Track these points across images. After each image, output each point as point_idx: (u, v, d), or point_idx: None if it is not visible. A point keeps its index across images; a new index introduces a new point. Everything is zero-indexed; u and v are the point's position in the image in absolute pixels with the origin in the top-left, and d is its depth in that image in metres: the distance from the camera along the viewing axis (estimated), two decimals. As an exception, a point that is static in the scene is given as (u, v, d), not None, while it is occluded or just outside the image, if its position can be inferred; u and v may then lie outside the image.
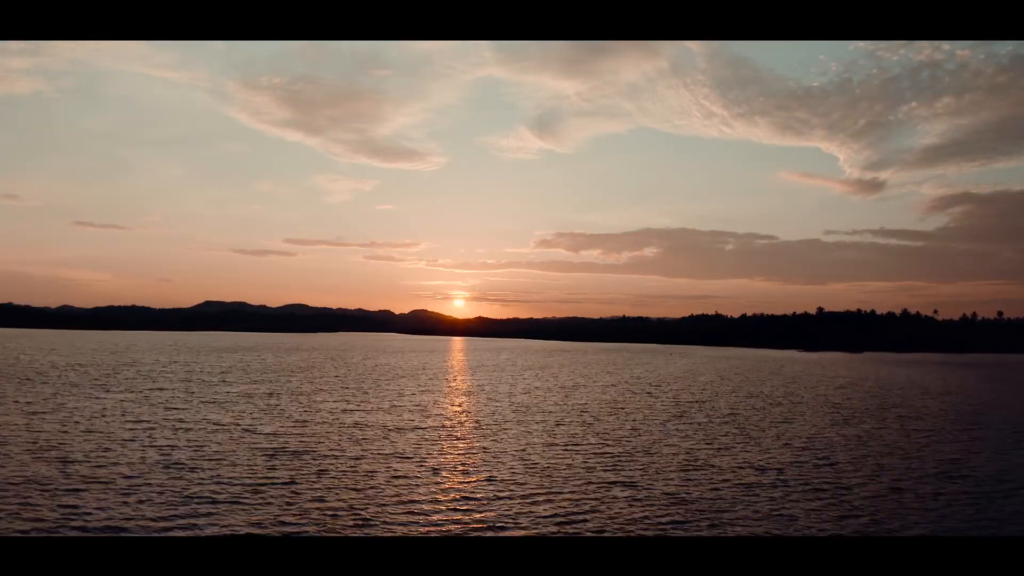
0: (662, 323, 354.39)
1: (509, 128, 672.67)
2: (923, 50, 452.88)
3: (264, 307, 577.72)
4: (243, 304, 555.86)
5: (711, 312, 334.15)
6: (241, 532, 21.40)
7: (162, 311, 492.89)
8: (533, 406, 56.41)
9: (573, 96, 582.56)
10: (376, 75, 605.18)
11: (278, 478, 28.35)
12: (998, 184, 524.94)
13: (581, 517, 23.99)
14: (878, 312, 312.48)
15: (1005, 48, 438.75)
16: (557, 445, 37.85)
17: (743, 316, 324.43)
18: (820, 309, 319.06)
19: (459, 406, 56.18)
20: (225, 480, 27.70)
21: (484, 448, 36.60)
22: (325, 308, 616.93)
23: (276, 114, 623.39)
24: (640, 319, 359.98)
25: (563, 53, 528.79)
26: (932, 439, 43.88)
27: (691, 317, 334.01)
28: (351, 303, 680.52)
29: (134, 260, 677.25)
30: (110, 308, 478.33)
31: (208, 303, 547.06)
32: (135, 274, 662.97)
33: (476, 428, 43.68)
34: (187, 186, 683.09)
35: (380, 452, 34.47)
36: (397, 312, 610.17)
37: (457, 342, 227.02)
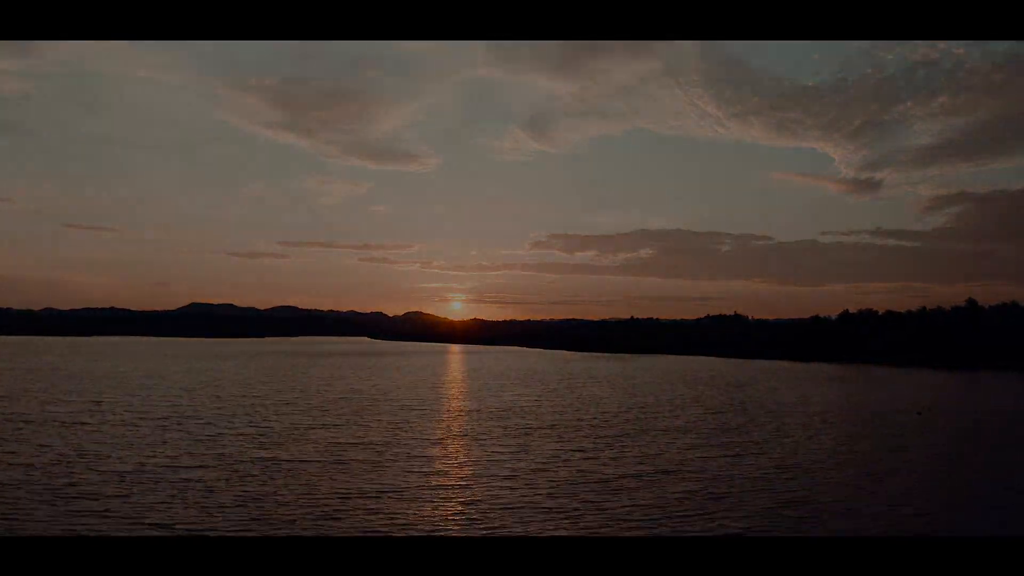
0: (676, 325, 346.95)
1: (503, 129, 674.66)
2: (918, 49, 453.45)
3: (252, 309, 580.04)
4: (230, 306, 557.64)
5: (727, 312, 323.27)
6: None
7: (143, 313, 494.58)
8: None
9: (566, 97, 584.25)
10: (367, 76, 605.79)
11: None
12: (995, 184, 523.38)
13: None
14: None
15: (1001, 47, 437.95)
16: None
17: (845, 312, 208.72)
18: (972, 301, 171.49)
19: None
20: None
21: None
22: (315, 310, 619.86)
23: (267, 115, 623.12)
24: (651, 321, 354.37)
25: (555, 53, 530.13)
26: None
27: (708, 318, 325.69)
28: (344, 305, 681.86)
29: (125, 263, 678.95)
30: (86, 310, 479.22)
31: (194, 305, 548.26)
32: (128, 277, 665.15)
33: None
34: (178, 188, 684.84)
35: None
36: (390, 314, 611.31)
37: (438, 359, 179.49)
